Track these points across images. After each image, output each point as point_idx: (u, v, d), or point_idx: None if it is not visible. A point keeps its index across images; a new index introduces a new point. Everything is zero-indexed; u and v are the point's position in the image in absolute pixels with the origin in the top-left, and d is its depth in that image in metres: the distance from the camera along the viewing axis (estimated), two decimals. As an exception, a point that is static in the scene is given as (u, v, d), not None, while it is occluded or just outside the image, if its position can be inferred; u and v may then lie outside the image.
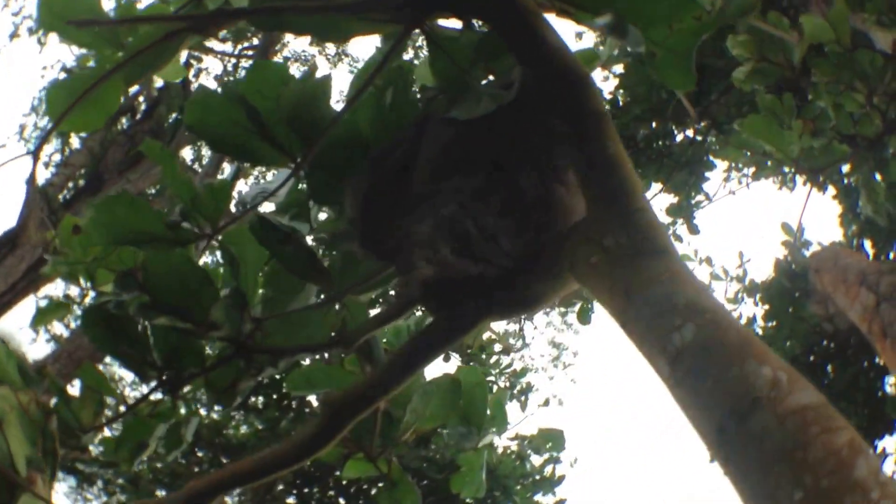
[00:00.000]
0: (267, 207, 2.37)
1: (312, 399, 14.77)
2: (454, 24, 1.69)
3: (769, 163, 11.63)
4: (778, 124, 4.38)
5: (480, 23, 1.56)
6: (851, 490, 0.63)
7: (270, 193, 1.96)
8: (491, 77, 1.57)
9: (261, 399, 13.70)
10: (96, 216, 1.99)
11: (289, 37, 18.36)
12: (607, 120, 1.16)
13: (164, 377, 2.59)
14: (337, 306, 2.28)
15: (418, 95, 1.77)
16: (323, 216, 2.47)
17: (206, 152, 18.81)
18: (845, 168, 11.75)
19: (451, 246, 1.42)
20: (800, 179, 12.41)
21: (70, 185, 13.03)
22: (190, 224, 2.05)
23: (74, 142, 14.75)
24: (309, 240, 2.31)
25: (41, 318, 3.19)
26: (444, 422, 3.06)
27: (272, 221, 2.24)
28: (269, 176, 2.46)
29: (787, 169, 12.28)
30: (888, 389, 11.08)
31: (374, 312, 2.51)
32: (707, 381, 0.78)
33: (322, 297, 2.52)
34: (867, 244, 11.53)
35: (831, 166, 4.70)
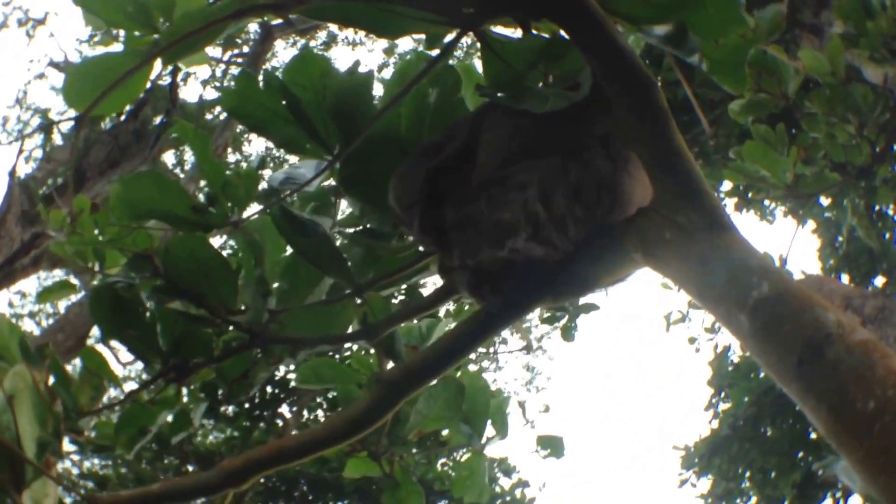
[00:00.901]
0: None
1: (284, 409, 14.69)
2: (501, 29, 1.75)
3: (750, 195, 11.83)
4: (774, 151, 4.51)
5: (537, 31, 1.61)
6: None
7: (303, 185, 1.97)
8: (549, 80, 1.62)
9: (231, 408, 13.58)
10: (123, 191, 2.00)
11: (279, 46, 18.39)
12: (671, 116, 1.26)
13: (169, 364, 2.57)
14: (357, 301, 2.29)
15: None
16: (339, 212, 2.50)
17: (188, 157, 18.71)
18: (826, 202, 12.00)
19: (525, 232, 1.47)
20: (779, 212, 12.62)
21: (51, 181, 12.92)
22: (216, 209, 2.07)
23: (56, 138, 14.62)
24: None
25: (45, 295, 3.17)
26: (446, 424, 3.09)
27: (295, 213, 2.26)
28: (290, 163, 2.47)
29: (767, 202, 12.50)
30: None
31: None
32: (785, 325, 0.95)
33: (336, 291, 2.54)
34: (845, 278, 11.75)
35: (822, 192, 4.85)
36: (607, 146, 1.42)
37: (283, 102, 1.88)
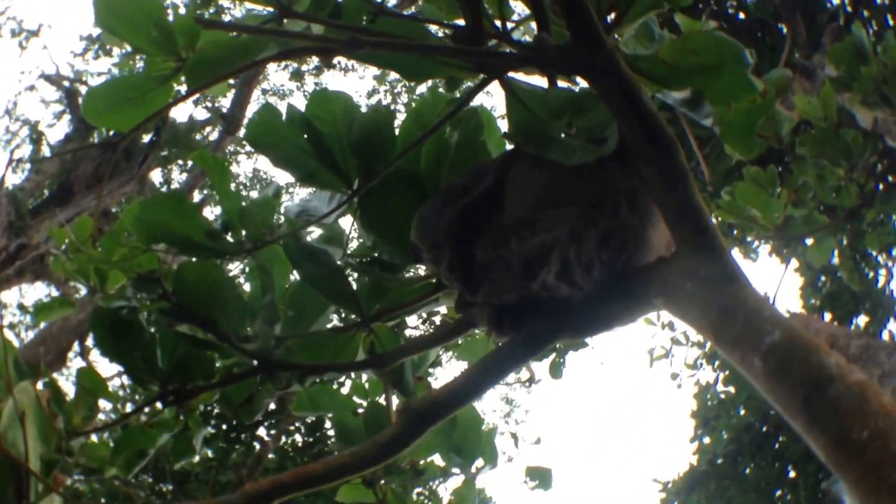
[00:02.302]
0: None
1: (262, 432, 14.56)
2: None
3: (735, 232, 11.97)
4: (766, 193, 4.61)
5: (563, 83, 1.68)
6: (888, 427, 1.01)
7: (320, 218, 2.01)
8: (572, 130, 1.68)
9: (209, 429, 13.45)
10: (141, 213, 2.02)
11: (270, 69, 18.46)
12: (690, 175, 1.37)
13: (168, 388, 2.57)
14: (364, 332, 2.32)
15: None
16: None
17: (175, 176, 18.67)
18: (811, 242, 12.17)
19: (555, 269, 1.53)
20: (763, 250, 12.77)
21: (37, 192, 12.86)
22: (231, 237, 2.10)
23: (45, 150, 14.57)
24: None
25: (43, 313, 3.16)
26: (437, 452, 3.10)
27: (307, 242, 2.29)
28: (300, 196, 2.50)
29: (749, 238, 12.66)
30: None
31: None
32: (793, 367, 1.10)
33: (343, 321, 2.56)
34: (827, 316, 11.88)
35: (811, 235, 4.97)
36: (633, 199, 1.51)
37: (305, 136, 1.92)
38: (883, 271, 11.95)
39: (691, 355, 13.60)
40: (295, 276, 2.52)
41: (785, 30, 9.48)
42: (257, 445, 14.05)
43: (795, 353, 1.09)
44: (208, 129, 17.35)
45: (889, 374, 6.26)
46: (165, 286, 2.37)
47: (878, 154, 4.85)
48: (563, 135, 1.65)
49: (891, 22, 8.82)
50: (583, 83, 1.61)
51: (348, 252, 2.39)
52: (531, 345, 1.63)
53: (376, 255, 2.30)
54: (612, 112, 1.45)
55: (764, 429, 12.40)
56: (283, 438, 14.61)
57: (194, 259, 2.20)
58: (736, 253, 12.93)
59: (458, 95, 1.94)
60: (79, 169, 12.09)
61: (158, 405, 2.70)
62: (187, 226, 2.03)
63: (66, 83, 14.55)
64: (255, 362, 2.29)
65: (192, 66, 1.98)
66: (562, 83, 1.77)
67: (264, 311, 2.20)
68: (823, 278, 12.25)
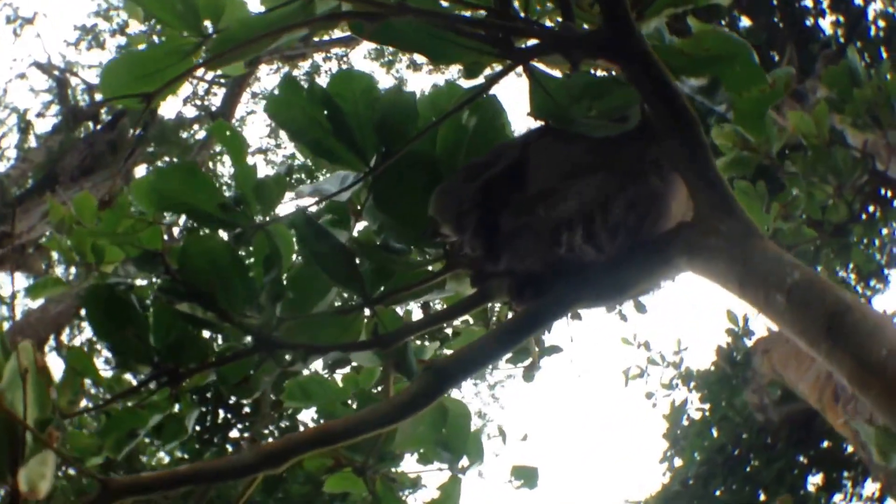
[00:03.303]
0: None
1: (234, 433, 14.46)
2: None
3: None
4: (756, 206, 4.70)
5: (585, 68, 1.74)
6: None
7: (336, 193, 2.03)
8: (592, 112, 1.75)
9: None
10: (156, 181, 2.03)
11: (261, 72, 18.45)
12: (709, 148, 1.51)
13: (161, 368, 2.55)
14: (367, 313, 2.33)
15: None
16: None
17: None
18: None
19: (582, 232, 1.61)
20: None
21: (22, 181, 12.76)
22: (243, 210, 2.11)
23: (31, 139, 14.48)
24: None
25: (36, 291, 3.15)
26: (426, 446, 3.11)
27: (316, 221, 2.30)
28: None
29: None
30: (810, 489, 11.43)
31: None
32: (815, 301, 1.23)
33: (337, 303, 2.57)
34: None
35: (799, 247, 5.09)
36: (659, 169, 1.61)
37: (325, 112, 1.94)
38: (862, 301, 12.12)
39: (667, 375, 13.70)
40: (296, 260, 2.53)
41: (777, 58, 9.66)
42: (230, 448, 13.95)
43: (815, 289, 1.23)
44: (196, 127, 17.28)
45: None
46: (169, 263, 2.37)
47: (868, 173, 4.97)
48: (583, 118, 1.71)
49: (884, 54, 9.01)
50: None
51: (354, 236, 2.41)
52: (551, 311, 1.69)
53: (384, 239, 2.33)
54: (640, 92, 1.54)
55: (736, 452, 12.48)
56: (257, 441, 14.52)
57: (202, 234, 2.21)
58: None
59: (476, 82, 1.98)
60: (65, 160, 12.01)
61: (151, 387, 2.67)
62: (200, 196, 2.04)
63: (57, 73, 14.49)
64: (255, 341, 2.29)
65: (218, 42, 1.98)
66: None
67: (269, 286, 2.21)
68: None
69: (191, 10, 2.00)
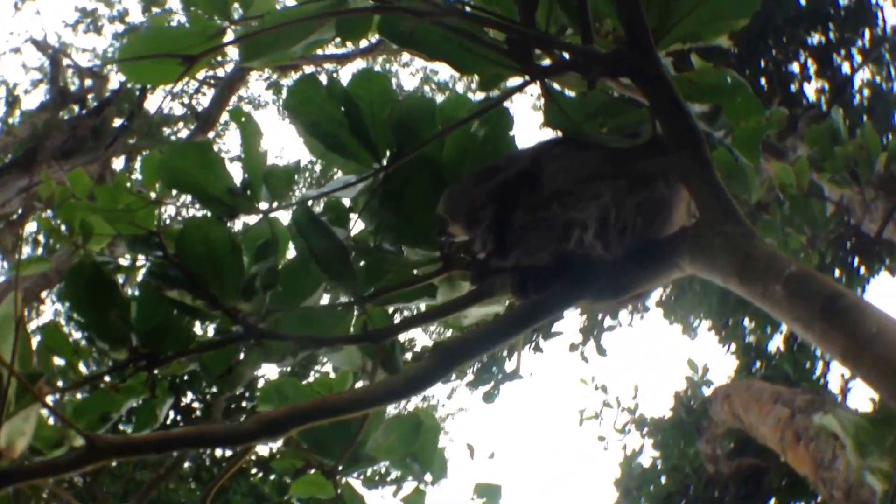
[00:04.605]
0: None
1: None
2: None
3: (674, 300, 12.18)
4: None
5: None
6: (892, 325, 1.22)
7: (346, 186, 2.07)
8: (603, 129, 1.84)
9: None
10: (167, 158, 2.05)
11: (251, 77, 18.43)
12: (713, 162, 1.64)
13: (140, 352, 2.53)
14: (355, 312, 2.35)
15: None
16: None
17: (138, 165, 18.40)
18: (749, 325, 12.48)
19: (594, 228, 1.72)
20: (703, 326, 13.06)
21: (3, 155, 12.61)
22: (250, 196, 2.13)
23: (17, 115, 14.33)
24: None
25: (23, 267, 3.13)
26: (395, 457, 3.12)
27: (317, 216, 2.33)
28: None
29: (692, 318, 12.93)
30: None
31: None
32: (809, 288, 1.35)
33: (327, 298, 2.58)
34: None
35: None
36: (666, 179, 1.74)
37: (343, 108, 1.99)
38: (820, 363, 12.30)
39: (621, 419, 13.78)
40: (290, 254, 2.55)
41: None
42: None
43: (810, 279, 1.36)
44: (180, 125, 17.20)
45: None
46: (166, 244, 2.36)
47: (843, 227, 5.14)
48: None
49: (866, 121, 9.26)
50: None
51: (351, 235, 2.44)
52: (553, 305, 1.77)
53: (378, 240, 2.36)
54: (654, 109, 1.67)
55: (683, 502, 12.53)
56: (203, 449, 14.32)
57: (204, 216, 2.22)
58: (677, 328, 13.23)
59: (491, 94, 2.05)
60: (47, 139, 11.90)
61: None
62: (209, 177, 2.06)
63: (51, 51, 14.35)
64: (244, 329, 2.29)
65: (248, 42, 2.00)
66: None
67: (265, 272, 2.22)
68: (759, 363, 12.56)
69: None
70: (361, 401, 1.63)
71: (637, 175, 1.73)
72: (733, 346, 12.74)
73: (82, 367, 3.14)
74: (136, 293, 2.57)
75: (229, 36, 2.08)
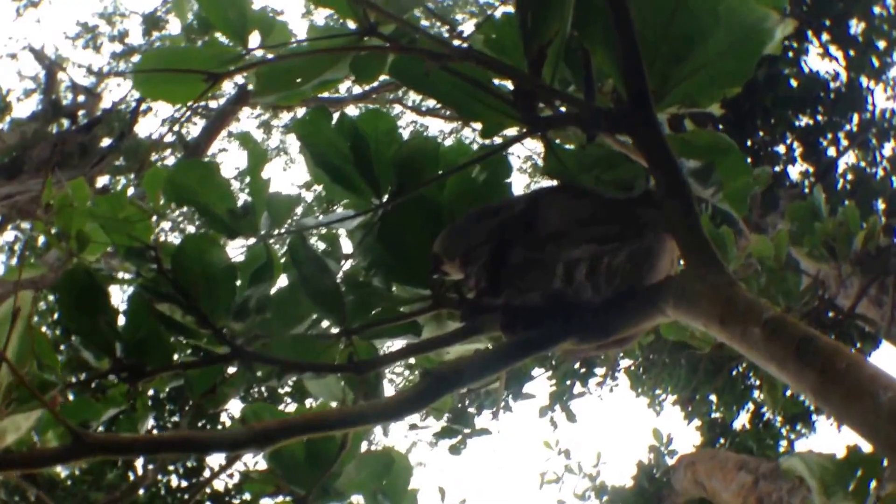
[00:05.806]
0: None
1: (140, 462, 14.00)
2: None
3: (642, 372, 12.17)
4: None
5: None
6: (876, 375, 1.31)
7: (345, 219, 2.13)
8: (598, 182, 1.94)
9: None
10: (174, 173, 2.10)
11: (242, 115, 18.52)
12: (700, 215, 1.75)
13: (124, 363, 2.54)
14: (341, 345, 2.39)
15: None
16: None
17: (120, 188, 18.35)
18: (714, 399, 12.52)
19: (586, 270, 1.80)
20: (668, 401, 13.06)
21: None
22: (251, 220, 2.18)
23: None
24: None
25: (12, 272, 3.14)
26: (365, 491, 3.13)
27: (311, 247, 2.38)
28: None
29: (658, 391, 12.95)
30: None
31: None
32: (786, 331, 1.45)
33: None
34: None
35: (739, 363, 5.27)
36: (655, 229, 1.84)
37: (349, 143, 2.06)
38: (784, 442, 12.36)
39: (581, 486, 13.72)
40: (281, 283, 2.60)
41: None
42: (131, 475, 13.47)
43: (786, 323, 1.47)
44: (168, 151, 17.21)
45: (797, 488, 6.58)
46: (161, 258, 2.40)
47: (818, 300, 5.26)
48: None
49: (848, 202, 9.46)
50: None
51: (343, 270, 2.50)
52: (541, 343, 1.84)
53: (370, 276, 2.41)
54: (649, 163, 1.76)
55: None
56: (160, 476, 14.05)
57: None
58: (642, 401, 13.20)
59: (491, 142, 2.13)
60: (35, 150, 11.88)
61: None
62: (213, 196, 2.12)
63: (48, 62, 14.40)
64: (232, 351, 2.31)
65: (264, 73, 2.08)
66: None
67: (258, 295, 2.26)
68: (722, 440, 12.59)
69: (241, 20, 2.10)
70: (352, 419, 1.66)
71: (629, 223, 1.84)
72: (698, 422, 12.77)
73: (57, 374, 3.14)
74: (126, 304, 2.59)
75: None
